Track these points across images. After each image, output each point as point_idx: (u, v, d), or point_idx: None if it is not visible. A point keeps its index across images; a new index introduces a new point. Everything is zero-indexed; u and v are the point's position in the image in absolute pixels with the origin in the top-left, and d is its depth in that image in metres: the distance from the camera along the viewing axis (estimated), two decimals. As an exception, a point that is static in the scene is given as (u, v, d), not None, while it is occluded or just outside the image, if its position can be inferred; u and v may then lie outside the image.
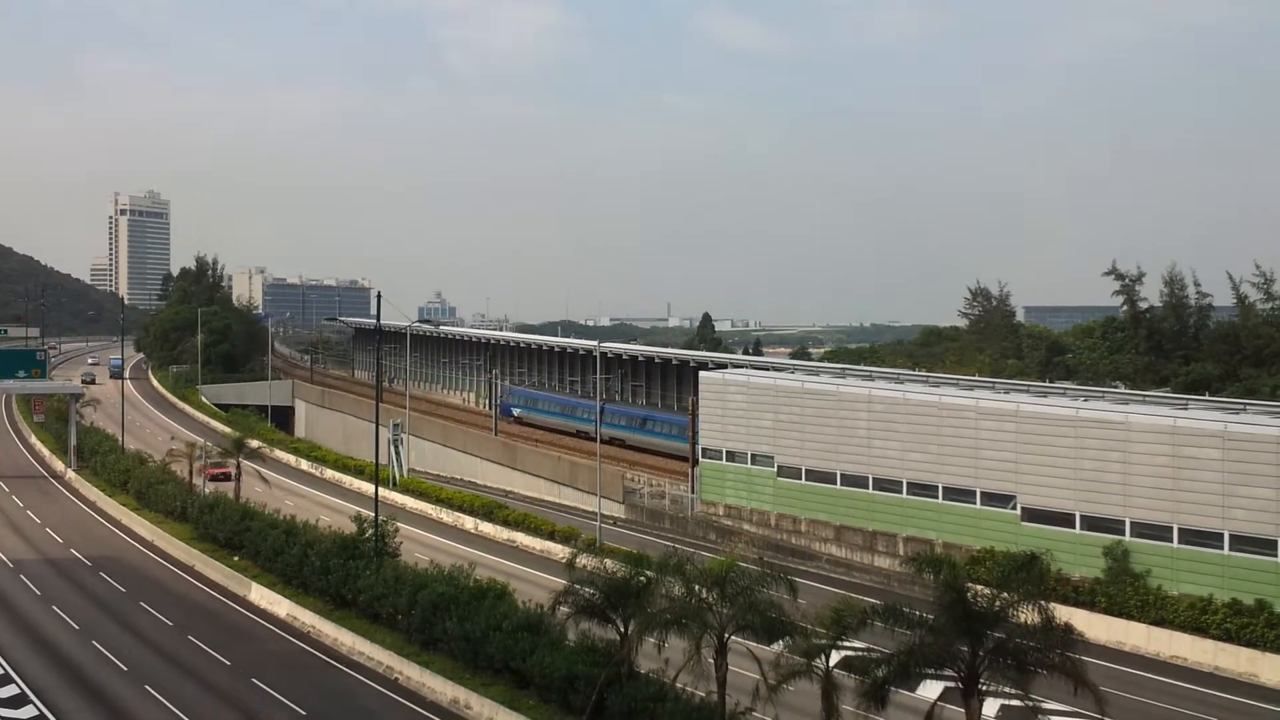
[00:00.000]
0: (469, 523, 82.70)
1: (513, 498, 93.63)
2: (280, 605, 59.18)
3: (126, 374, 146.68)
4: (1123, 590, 54.48)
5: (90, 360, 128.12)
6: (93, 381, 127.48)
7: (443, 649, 48.44)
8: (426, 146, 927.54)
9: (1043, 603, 32.38)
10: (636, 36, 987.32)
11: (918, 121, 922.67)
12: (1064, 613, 35.79)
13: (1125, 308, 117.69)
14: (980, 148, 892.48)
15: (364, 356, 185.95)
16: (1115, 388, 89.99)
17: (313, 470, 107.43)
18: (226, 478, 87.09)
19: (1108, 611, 53.99)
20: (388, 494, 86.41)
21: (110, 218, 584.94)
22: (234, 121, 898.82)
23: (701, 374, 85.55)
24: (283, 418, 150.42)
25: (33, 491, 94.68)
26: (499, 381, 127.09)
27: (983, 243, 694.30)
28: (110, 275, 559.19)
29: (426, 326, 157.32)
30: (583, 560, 44.97)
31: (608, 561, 43.70)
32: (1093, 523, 59.07)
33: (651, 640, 37.74)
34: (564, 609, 41.80)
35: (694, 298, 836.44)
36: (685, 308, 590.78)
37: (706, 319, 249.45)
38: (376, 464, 68.53)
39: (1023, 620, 32.00)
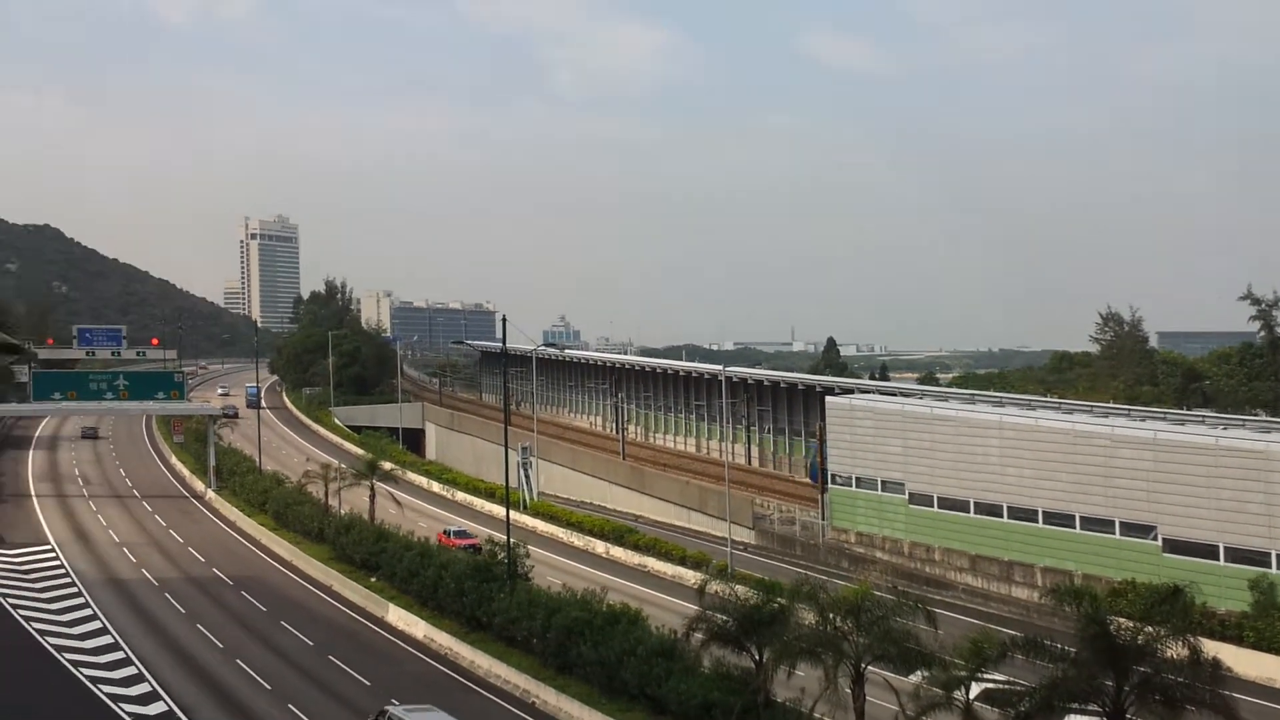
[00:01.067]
0: (600, 547, 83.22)
1: (642, 522, 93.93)
2: (417, 627, 60.17)
3: (263, 403, 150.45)
4: (1271, 625, 53.16)
5: (220, 390, 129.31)
6: (235, 415, 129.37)
7: (577, 674, 48.87)
8: (535, 165, 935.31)
9: (1189, 637, 31.88)
10: (742, 57, 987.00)
11: (1029, 140, 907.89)
12: (1210, 647, 35.06)
13: (1262, 333, 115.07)
14: (1098, 168, 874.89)
15: (491, 380, 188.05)
16: (1255, 415, 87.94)
17: (444, 493, 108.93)
18: (476, 550, 71.20)
19: (1256, 646, 52.64)
20: (518, 517, 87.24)
21: (241, 242, 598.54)
22: (355, 144, 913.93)
23: (828, 399, 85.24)
24: (413, 440, 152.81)
25: (174, 511, 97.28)
26: (624, 405, 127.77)
27: (1109, 266, 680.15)
28: (243, 299, 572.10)
29: (552, 350, 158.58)
30: (714, 586, 45.13)
31: (739, 588, 43.84)
32: (1237, 554, 57.79)
33: (784, 668, 37.78)
34: (697, 635, 42.00)
35: (818, 322, 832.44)
36: (809, 332, 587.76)
37: (831, 343, 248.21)
38: (507, 487, 69.38)
39: (1169, 655, 31.53)
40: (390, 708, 43.30)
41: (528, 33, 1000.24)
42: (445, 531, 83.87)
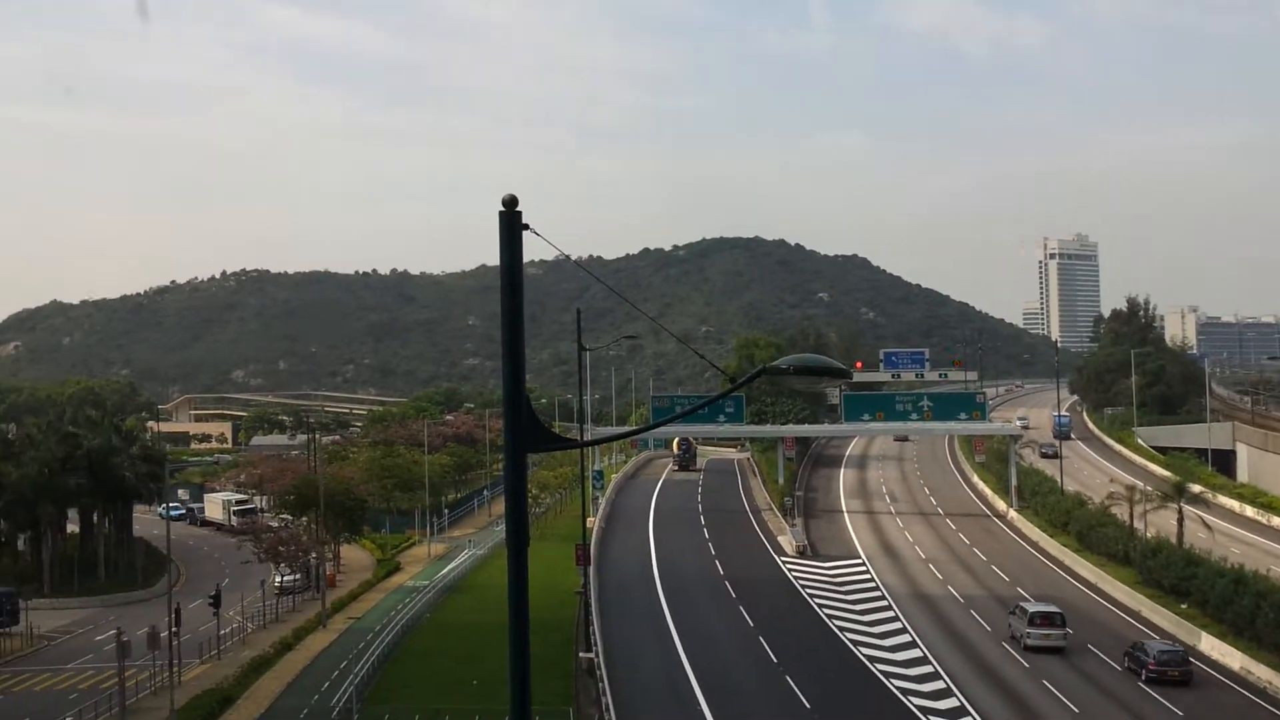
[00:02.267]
0: None
1: None
2: (1233, 658, 56.31)
3: (1071, 434, 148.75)
4: None
5: (1019, 421, 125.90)
6: (1054, 455, 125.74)
7: None
8: None
9: None
10: None
11: None
12: None
13: None
14: None
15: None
16: None
17: (1258, 517, 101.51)
18: None
19: None
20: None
21: (1040, 262, 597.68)
22: (1144, 158, 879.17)
23: None
24: (1222, 462, 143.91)
25: (976, 529, 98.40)
26: None
27: None
28: (1041, 319, 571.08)
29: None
30: None
31: None
32: None
33: None
34: None
35: None
36: None
37: None
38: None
39: None
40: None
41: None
42: None
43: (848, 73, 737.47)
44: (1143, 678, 53.90)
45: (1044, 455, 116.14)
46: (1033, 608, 62.40)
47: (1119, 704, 50.63)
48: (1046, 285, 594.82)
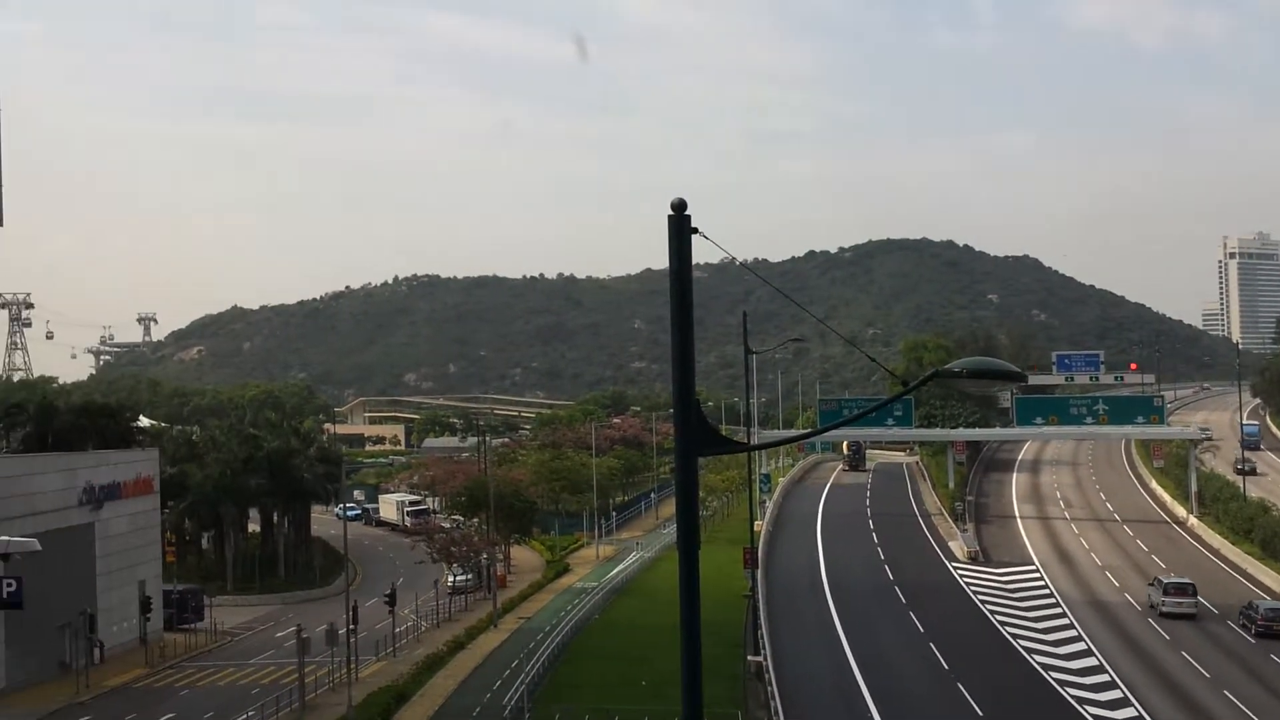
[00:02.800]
0: None
1: None
2: None
3: (1261, 444, 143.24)
4: None
5: (1204, 434, 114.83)
6: (1253, 471, 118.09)
7: None
8: None
9: None
10: None
11: None
12: None
13: None
14: None
15: None
16: None
17: None
18: None
19: None
20: None
21: (1219, 262, 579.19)
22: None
23: None
24: None
25: (1155, 536, 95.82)
26: None
27: None
28: (1221, 319, 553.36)
29: None
30: None
31: None
32: None
33: None
34: None
35: None
36: None
37: None
38: None
39: None
40: None
41: None
42: None
43: (1016, 69, 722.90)
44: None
45: (1238, 472, 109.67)
46: (1168, 579, 72.33)
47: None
48: (1226, 285, 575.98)
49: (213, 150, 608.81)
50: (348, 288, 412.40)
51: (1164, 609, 68.39)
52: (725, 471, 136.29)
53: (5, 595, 60.32)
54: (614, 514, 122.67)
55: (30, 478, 67.74)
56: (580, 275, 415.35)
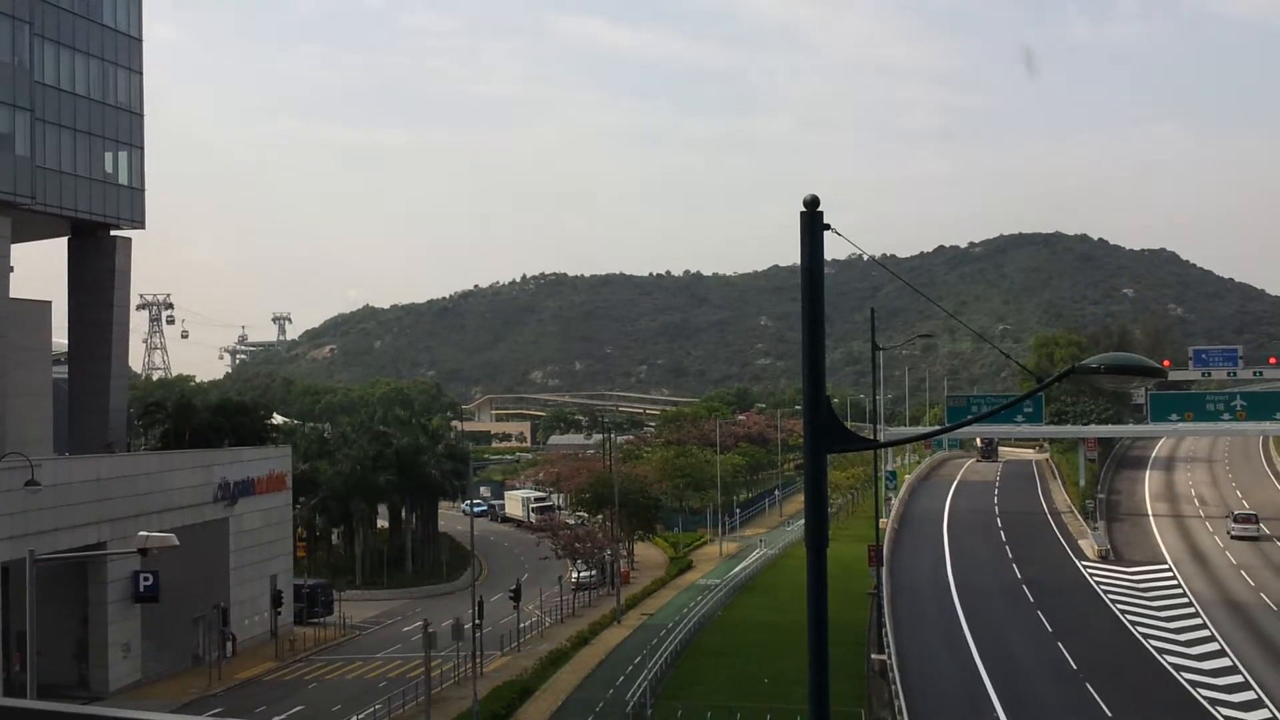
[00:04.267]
0: None
1: None
2: None
3: None
4: None
5: None
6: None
7: None
8: None
9: None
10: None
11: None
12: None
13: None
14: None
15: None
16: None
17: None
18: None
19: None
20: None
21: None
22: None
23: None
24: None
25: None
26: None
27: None
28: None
29: None
30: None
31: None
32: None
33: None
34: None
35: None
36: None
37: None
38: None
39: None
40: None
41: None
42: None
43: (1158, 62, 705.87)
44: None
45: None
46: (1239, 511, 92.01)
47: None
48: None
49: (347, 152, 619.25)
50: (476, 287, 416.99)
51: (1232, 534, 68.61)
52: (850, 469, 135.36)
53: (143, 589, 62.39)
54: (738, 511, 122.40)
55: (168, 474, 69.39)
56: (707, 272, 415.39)
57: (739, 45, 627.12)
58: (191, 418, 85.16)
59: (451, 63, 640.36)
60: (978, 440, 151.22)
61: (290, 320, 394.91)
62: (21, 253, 74.10)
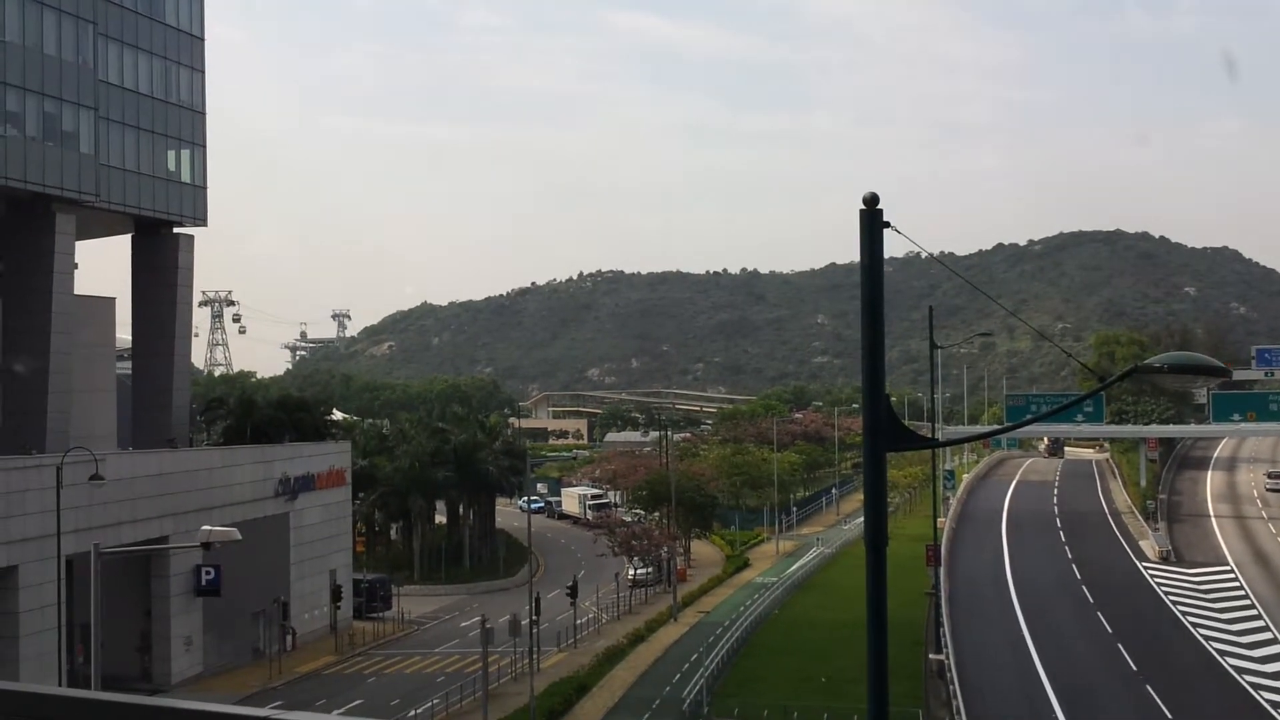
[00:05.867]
0: None
1: None
2: None
3: None
4: None
5: None
6: None
7: None
8: None
9: None
10: None
11: None
12: None
13: None
14: None
15: None
16: None
17: None
18: None
19: None
20: None
21: None
22: None
23: None
24: None
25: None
26: None
27: None
28: None
29: None
30: None
31: None
32: None
33: None
34: None
35: None
36: None
37: None
38: None
39: None
40: None
41: None
42: None
43: (1217, 56, 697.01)
44: None
45: None
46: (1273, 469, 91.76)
47: None
48: None
49: (407, 150, 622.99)
50: (533, 284, 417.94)
51: (1267, 486, 67.29)
52: (908, 467, 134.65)
53: (205, 583, 63.08)
54: (795, 509, 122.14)
55: (230, 469, 70.13)
56: (764, 270, 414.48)
57: (793, 40, 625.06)
58: (253, 413, 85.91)
59: (507, 59, 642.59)
60: (1044, 438, 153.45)
61: (349, 317, 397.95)
62: (86, 250, 75.25)
